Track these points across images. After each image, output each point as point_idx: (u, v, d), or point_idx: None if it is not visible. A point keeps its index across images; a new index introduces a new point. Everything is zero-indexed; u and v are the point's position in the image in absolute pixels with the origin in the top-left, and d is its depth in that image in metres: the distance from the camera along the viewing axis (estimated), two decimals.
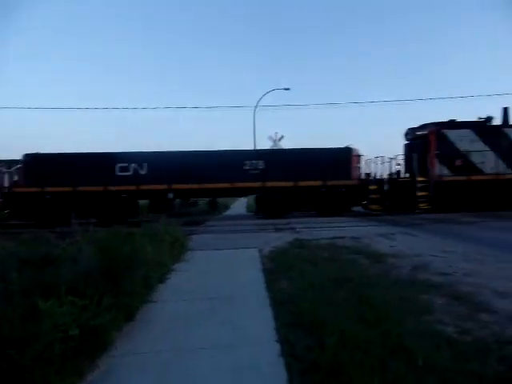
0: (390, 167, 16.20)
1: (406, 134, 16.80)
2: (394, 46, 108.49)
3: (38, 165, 14.11)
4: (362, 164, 16.00)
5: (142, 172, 14.41)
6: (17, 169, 14.34)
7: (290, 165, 14.72)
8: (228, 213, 19.96)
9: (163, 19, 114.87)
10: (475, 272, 5.02)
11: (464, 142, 14.94)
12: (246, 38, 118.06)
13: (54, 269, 3.79)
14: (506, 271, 5.03)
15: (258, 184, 14.70)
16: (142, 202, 15.48)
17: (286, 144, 25.51)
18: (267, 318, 3.50)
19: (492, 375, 2.25)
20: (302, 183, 14.80)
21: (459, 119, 15.60)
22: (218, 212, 19.67)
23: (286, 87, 23.63)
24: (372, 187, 15.20)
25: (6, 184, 14.11)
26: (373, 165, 16.26)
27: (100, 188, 14.07)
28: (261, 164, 14.76)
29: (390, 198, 15.47)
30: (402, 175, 16.34)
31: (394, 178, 16.02)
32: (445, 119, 15.54)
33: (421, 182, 14.99)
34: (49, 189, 13.91)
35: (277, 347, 2.83)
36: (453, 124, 15.38)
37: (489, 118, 15.59)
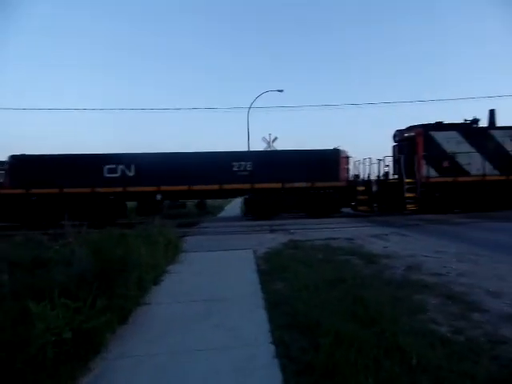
0: (379, 168, 16.36)
1: (395, 136, 16.91)
2: (389, 48, 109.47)
3: (23, 166, 13.97)
4: (351, 165, 16.11)
5: (130, 174, 14.31)
6: (2, 170, 14.20)
7: (279, 166, 14.72)
8: (222, 214, 19.91)
9: (160, 20, 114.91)
10: (468, 272, 5.06)
11: (451, 143, 15.12)
12: (243, 39, 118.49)
13: (45, 271, 3.75)
14: (499, 271, 5.08)
15: (246, 186, 14.68)
16: (130, 203, 15.40)
17: (279, 145, 25.58)
18: (262, 319, 3.50)
19: (484, 375, 2.27)
20: (290, 185, 14.81)
21: (446, 121, 15.79)
22: (212, 214, 19.62)
23: (280, 89, 23.67)
24: (360, 188, 15.30)
25: None
26: (361, 166, 16.38)
27: (87, 190, 13.96)
28: (249, 166, 14.71)
29: (378, 199, 15.61)
30: (391, 176, 16.48)
31: (382, 179, 16.16)
32: (432, 121, 15.74)
33: (408, 183, 15.12)
34: (35, 190, 13.77)
35: (272, 349, 2.83)
36: (440, 126, 15.55)
37: (475, 120, 15.80)
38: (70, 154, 14.48)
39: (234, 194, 16.03)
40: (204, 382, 2.42)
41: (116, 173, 14.24)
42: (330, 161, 15.06)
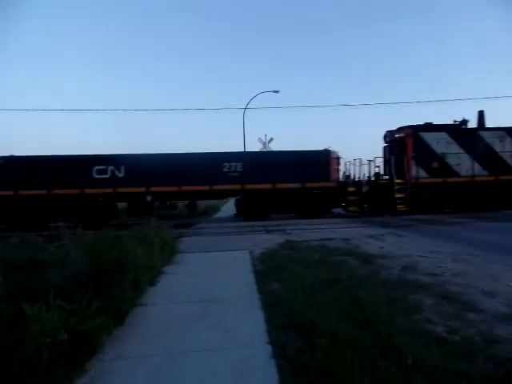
0: (370, 169, 16.45)
1: (385, 137, 16.99)
2: (389, 48, 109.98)
3: (12, 168, 13.86)
4: (342, 166, 16.19)
5: (120, 175, 14.24)
6: None
7: (269, 167, 14.73)
8: (218, 215, 19.88)
9: (159, 20, 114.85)
10: (463, 272, 5.10)
11: (440, 144, 15.24)
12: (243, 39, 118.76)
13: (41, 273, 3.73)
14: (493, 271, 5.12)
15: (237, 186, 14.68)
16: (122, 204, 15.35)
17: (276, 146, 25.61)
18: (258, 320, 3.50)
19: (480, 374, 2.29)
20: (281, 185, 14.83)
21: (440, 122, 15.90)
22: (208, 214, 19.59)
23: (276, 90, 23.70)
24: (350, 189, 15.36)
25: None
26: (352, 167, 16.47)
27: (76, 191, 13.89)
28: (240, 166, 14.70)
29: (368, 199, 15.67)
30: (381, 177, 16.55)
31: (372, 180, 16.23)
32: (421, 122, 15.84)
33: (398, 183, 15.22)
34: (23, 192, 13.70)
35: (268, 349, 2.83)
36: (429, 126, 15.64)
37: (464, 121, 15.92)
38: (58, 155, 14.40)
39: (224, 194, 15.97)
40: (200, 382, 2.41)
41: (106, 174, 14.18)
42: (321, 161, 15.08)
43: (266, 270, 5.57)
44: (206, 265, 6.31)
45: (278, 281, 4.80)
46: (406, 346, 2.59)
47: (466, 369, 2.34)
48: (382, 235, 9.17)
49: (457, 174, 15.24)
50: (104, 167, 14.18)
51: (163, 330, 3.38)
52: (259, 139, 21.18)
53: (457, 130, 15.58)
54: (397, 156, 15.63)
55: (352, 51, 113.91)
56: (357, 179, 16.02)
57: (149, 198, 14.53)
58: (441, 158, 15.17)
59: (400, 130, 15.98)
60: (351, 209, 15.59)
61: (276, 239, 8.86)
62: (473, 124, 16.15)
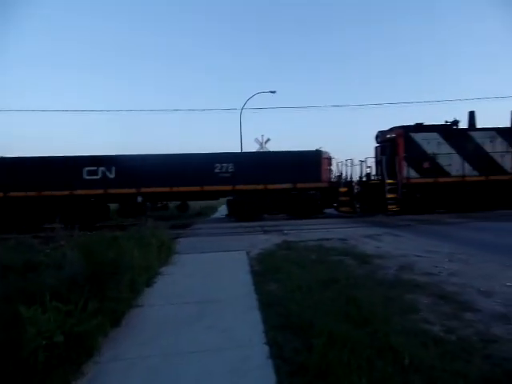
0: (361, 170, 16.53)
1: (377, 137, 17.05)
2: (389, 48, 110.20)
3: (1, 169, 13.82)
4: (334, 166, 16.28)
5: (111, 176, 14.21)
6: None
7: (261, 168, 14.76)
8: (216, 215, 19.86)
9: (159, 20, 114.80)
10: (459, 272, 5.11)
11: (431, 144, 15.31)
12: (242, 39, 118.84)
13: (37, 275, 3.71)
14: (489, 270, 5.14)
15: (228, 187, 14.68)
16: (114, 205, 15.31)
17: (274, 147, 25.61)
18: (256, 320, 3.50)
19: (477, 374, 2.29)
20: (272, 186, 14.85)
21: (426, 122, 15.94)
22: (205, 215, 19.56)
23: (273, 90, 23.72)
24: (342, 189, 15.41)
25: None
26: (344, 167, 16.54)
27: (66, 192, 13.85)
28: (231, 167, 14.71)
29: (360, 200, 15.74)
30: (373, 177, 16.62)
31: (364, 180, 16.29)
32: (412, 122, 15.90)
33: (389, 184, 15.26)
34: (13, 194, 13.64)
35: (265, 349, 2.83)
36: (420, 127, 15.70)
37: (455, 122, 16.01)
38: (48, 156, 14.33)
39: (215, 195, 15.91)
40: (197, 383, 2.41)
41: (96, 175, 14.14)
42: (312, 162, 15.14)
43: (263, 270, 5.57)
44: (203, 265, 6.30)
45: (275, 281, 4.80)
46: (403, 346, 2.60)
47: (463, 368, 2.34)
48: (379, 235, 9.19)
49: (448, 174, 15.33)
50: (95, 168, 14.14)
51: (160, 331, 3.37)
52: (256, 139, 21.18)
53: (448, 131, 15.66)
54: (388, 156, 15.71)
55: (352, 51, 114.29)
56: (349, 180, 16.08)
57: (139, 198, 14.51)
58: (432, 159, 15.25)
59: (391, 130, 16.04)
60: (343, 209, 15.65)
61: (273, 239, 8.86)
62: (464, 124, 16.26)
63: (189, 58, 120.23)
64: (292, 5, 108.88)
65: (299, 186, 14.93)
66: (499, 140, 15.51)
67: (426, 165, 15.21)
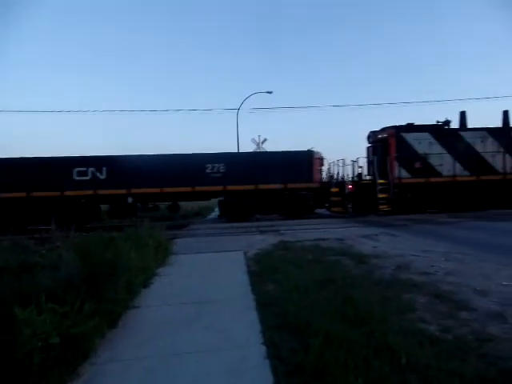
0: (353, 170, 16.60)
1: (369, 137, 17.10)
2: (390, 48, 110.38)
3: None
4: (325, 167, 16.36)
5: (101, 176, 14.15)
6: None
7: (252, 168, 14.76)
8: (212, 216, 19.84)
9: (159, 20, 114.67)
10: (455, 271, 5.14)
11: (422, 144, 15.39)
12: (242, 39, 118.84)
13: (32, 276, 3.69)
14: (484, 270, 5.17)
15: (219, 188, 14.65)
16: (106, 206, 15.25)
17: (271, 147, 25.63)
18: (253, 320, 3.50)
19: (472, 373, 2.30)
20: (263, 186, 14.84)
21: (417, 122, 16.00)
22: (202, 215, 19.54)
23: (269, 90, 23.75)
24: (333, 190, 15.44)
25: None
26: (336, 167, 16.60)
27: (56, 193, 13.76)
28: (222, 167, 14.67)
29: (352, 200, 15.77)
30: (365, 177, 16.67)
31: (355, 180, 16.33)
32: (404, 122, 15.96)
33: (381, 184, 15.33)
34: (1, 195, 13.52)
35: (263, 350, 2.83)
36: (411, 127, 15.76)
37: (447, 122, 16.11)
38: (37, 157, 14.25)
39: (207, 196, 15.85)
40: None
41: (86, 176, 14.07)
42: (304, 162, 15.16)
43: (260, 270, 5.57)
44: (200, 266, 6.29)
45: (272, 281, 4.80)
46: (400, 346, 2.60)
47: (459, 368, 2.35)
48: (376, 235, 9.22)
49: (439, 174, 15.41)
50: (84, 169, 14.07)
51: (157, 331, 3.36)
52: (253, 140, 21.21)
53: (439, 131, 15.75)
54: (380, 156, 15.77)
55: (352, 51, 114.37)
56: (340, 180, 16.13)
57: (130, 199, 14.45)
58: (423, 159, 15.34)
59: (383, 130, 16.11)
60: (334, 209, 15.71)
61: (270, 240, 8.86)
62: (456, 124, 16.37)
63: (189, 59, 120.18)
64: (292, 5, 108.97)
65: (291, 186, 14.94)
66: (490, 140, 15.62)
67: (417, 165, 15.30)
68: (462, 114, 16.45)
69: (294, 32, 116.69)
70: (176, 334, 3.27)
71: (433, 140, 15.42)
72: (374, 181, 15.64)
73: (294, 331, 3.06)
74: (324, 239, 8.53)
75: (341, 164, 16.39)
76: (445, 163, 15.36)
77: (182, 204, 17.77)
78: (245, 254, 7.12)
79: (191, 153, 14.93)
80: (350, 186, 15.66)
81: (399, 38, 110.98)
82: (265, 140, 21.18)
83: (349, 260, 6.04)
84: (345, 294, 3.93)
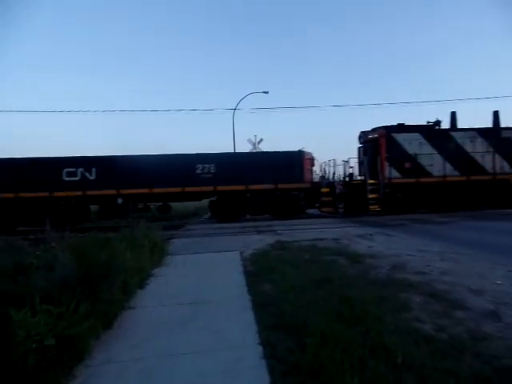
0: (345, 170, 16.64)
1: (359, 138, 17.12)
2: (389, 43, 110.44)
3: None
4: (316, 167, 16.38)
5: (91, 177, 14.05)
6: None
7: (243, 168, 14.72)
8: (209, 216, 19.79)
9: (159, 20, 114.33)
10: (450, 270, 5.17)
11: (413, 145, 15.46)
12: (241, 39, 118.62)
13: (27, 277, 3.66)
14: (479, 269, 5.20)
15: (209, 188, 14.60)
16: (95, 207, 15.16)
17: (269, 147, 25.63)
18: (249, 321, 3.50)
19: (467, 372, 2.31)
20: (254, 187, 14.80)
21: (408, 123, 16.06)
22: (198, 215, 19.49)
23: (265, 91, 23.76)
24: (324, 190, 15.46)
25: None
26: (327, 168, 16.63)
27: (45, 194, 13.64)
28: (213, 168, 14.62)
29: (342, 200, 15.80)
30: (356, 177, 16.71)
31: (346, 180, 16.37)
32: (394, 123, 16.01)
33: (371, 184, 15.37)
34: None
35: (259, 350, 2.83)
36: (402, 127, 15.82)
37: (437, 122, 16.19)
38: (25, 157, 14.11)
39: (197, 196, 15.72)
40: None
41: (76, 176, 13.97)
42: (294, 162, 15.16)
43: (257, 270, 5.57)
44: (196, 266, 6.29)
45: (268, 281, 4.80)
46: (395, 345, 2.62)
47: (454, 366, 2.37)
48: (371, 235, 9.25)
49: (429, 175, 15.48)
50: (74, 169, 13.97)
51: (152, 332, 3.35)
52: (249, 140, 21.19)
53: (429, 131, 15.82)
54: (370, 156, 15.81)
55: (351, 51, 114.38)
56: (331, 180, 16.16)
57: (120, 200, 14.34)
58: (413, 159, 15.41)
59: (373, 130, 16.16)
60: (325, 209, 15.73)
61: (267, 240, 8.87)
62: (446, 125, 16.46)
63: (189, 59, 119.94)
64: (287, 5, 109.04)
65: (281, 186, 14.92)
66: (480, 140, 15.73)
67: (407, 165, 15.37)
68: (453, 115, 16.57)
69: (293, 32, 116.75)
70: (172, 335, 3.26)
71: (423, 140, 15.50)
72: (364, 181, 15.68)
73: (291, 331, 3.06)
74: (321, 239, 8.55)
75: (332, 164, 16.45)
76: (435, 163, 15.44)
77: (179, 205, 17.67)
78: (241, 254, 7.12)
79: (181, 153, 14.86)
80: (341, 186, 15.72)
81: (399, 37, 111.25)
82: (261, 140, 21.18)
83: (345, 260, 6.06)
84: (341, 293, 3.94)
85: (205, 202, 16.99)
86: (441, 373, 2.30)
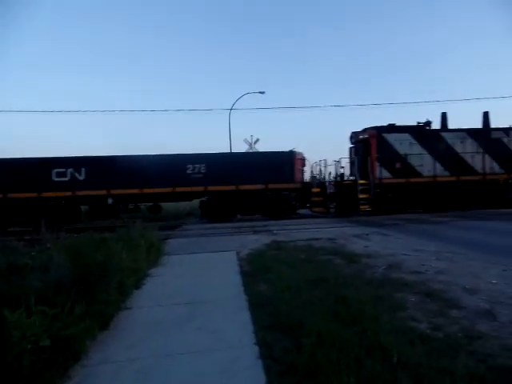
0: (336, 170, 16.71)
1: (351, 138, 17.19)
2: (389, 42, 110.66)
3: None
4: (307, 167, 16.43)
5: (80, 177, 13.98)
6: None
7: (233, 169, 14.73)
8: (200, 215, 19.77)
9: (158, 20, 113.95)
10: (446, 270, 5.20)
11: (403, 145, 15.55)
12: (240, 39, 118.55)
13: (21, 278, 3.65)
14: (474, 269, 5.24)
15: (200, 188, 14.58)
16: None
17: (261, 147, 25.61)
18: (245, 321, 3.50)
19: (463, 370, 2.33)
20: (245, 187, 14.80)
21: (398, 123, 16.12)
22: (194, 215, 19.42)
23: (262, 91, 23.77)
24: (315, 190, 15.50)
25: None
26: (318, 168, 16.68)
27: (33, 194, 13.54)
28: (203, 168, 14.61)
29: (333, 200, 15.88)
30: (347, 178, 16.78)
31: (337, 180, 16.44)
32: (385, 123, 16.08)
33: (362, 184, 15.43)
34: None
35: (255, 350, 2.83)
36: (392, 128, 15.89)
37: (427, 122, 16.30)
38: (14, 158, 14.02)
39: (188, 196, 15.66)
40: None
41: (65, 177, 13.89)
42: (285, 163, 15.19)
43: (253, 270, 5.57)
44: (193, 266, 6.28)
45: (264, 281, 4.80)
46: (391, 344, 2.62)
47: (450, 365, 2.38)
48: (367, 234, 9.28)
49: (419, 175, 15.58)
50: (63, 170, 13.88)
51: (149, 333, 3.34)
52: (245, 140, 21.19)
53: (420, 132, 15.93)
54: (361, 157, 15.89)
55: (351, 51, 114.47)
56: (322, 180, 16.22)
57: (110, 200, 14.28)
58: (404, 159, 15.50)
59: (364, 131, 16.24)
60: (316, 209, 15.77)
61: (263, 240, 8.87)
62: (437, 125, 16.57)
63: (189, 59, 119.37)
64: (285, 4, 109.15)
65: (272, 186, 14.93)
66: (469, 141, 15.85)
67: (398, 165, 15.45)
68: (443, 115, 16.68)
69: (293, 32, 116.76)
70: (168, 335, 3.26)
71: (413, 141, 15.59)
72: (355, 181, 15.74)
73: (287, 331, 3.07)
74: (317, 239, 8.56)
75: (323, 164, 16.50)
76: (425, 164, 15.55)
77: (170, 205, 17.57)
78: (237, 254, 7.12)
79: (172, 153, 14.84)
80: (332, 186, 15.80)
81: (399, 38, 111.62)
82: (257, 140, 21.20)
83: (341, 259, 6.07)
84: (337, 293, 3.95)
85: (196, 202, 16.97)
86: (436, 371, 2.31)
